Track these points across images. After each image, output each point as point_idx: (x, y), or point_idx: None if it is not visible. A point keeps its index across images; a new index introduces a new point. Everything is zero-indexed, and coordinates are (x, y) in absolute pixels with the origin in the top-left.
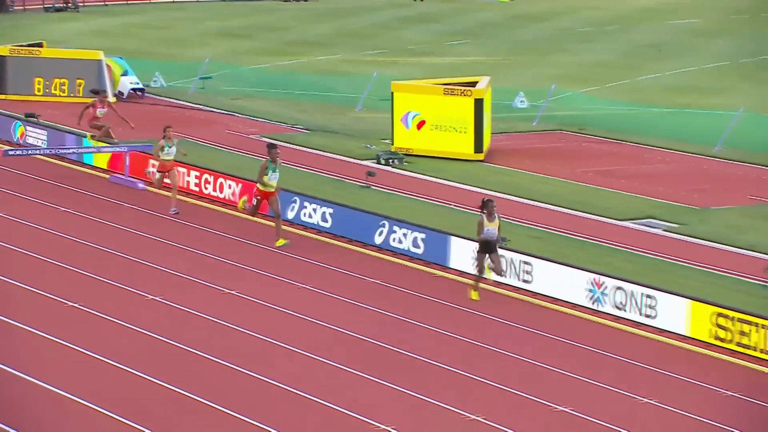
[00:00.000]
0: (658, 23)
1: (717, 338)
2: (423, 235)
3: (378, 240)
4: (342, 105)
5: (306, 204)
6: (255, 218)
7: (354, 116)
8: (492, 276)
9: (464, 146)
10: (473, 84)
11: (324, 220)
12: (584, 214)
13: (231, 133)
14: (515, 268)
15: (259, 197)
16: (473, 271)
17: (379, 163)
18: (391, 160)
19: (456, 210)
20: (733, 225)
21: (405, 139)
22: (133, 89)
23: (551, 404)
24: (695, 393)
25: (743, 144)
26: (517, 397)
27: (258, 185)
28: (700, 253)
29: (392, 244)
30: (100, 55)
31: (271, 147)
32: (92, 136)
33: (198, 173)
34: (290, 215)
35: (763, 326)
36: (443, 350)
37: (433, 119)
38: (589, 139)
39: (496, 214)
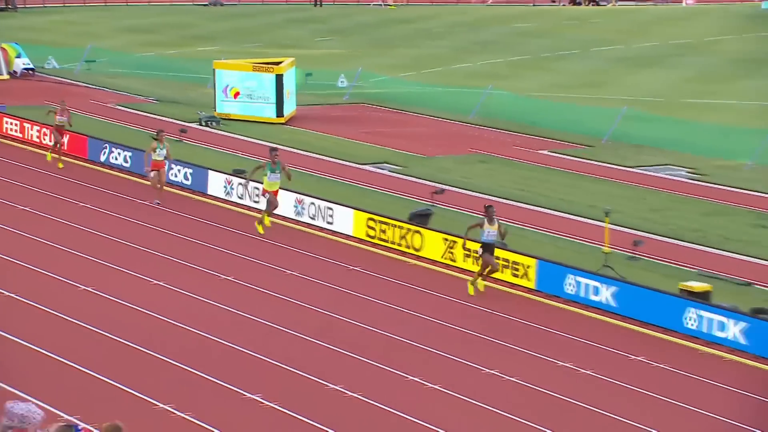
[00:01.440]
0: (502, 26)
1: (368, 236)
2: (190, 170)
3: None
4: (198, 83)
5: (114, 149)
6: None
7: (203, 92)
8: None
9: (268, 112)
10: (278, 63)
11: (125, 161)
12: (341, 161)
13: (92, 101)
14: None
15: (263, 194)
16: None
17: (200, 124)
18: (209, 122)
19: (241, 157)
20: (442, 167)
21: (224, 106)
22: (25, 69)
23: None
24: (349, 275)
25: (492, 114)
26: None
27: (263, 184)
28: (400, 185)
29: (171, 177)
30: None
31: (272, 150)
32: None
33: (38, 128)
34: (101, 158)
35: (394, 225)
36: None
37: (245, 90)
38: (381, 110)
39: (496, 219)
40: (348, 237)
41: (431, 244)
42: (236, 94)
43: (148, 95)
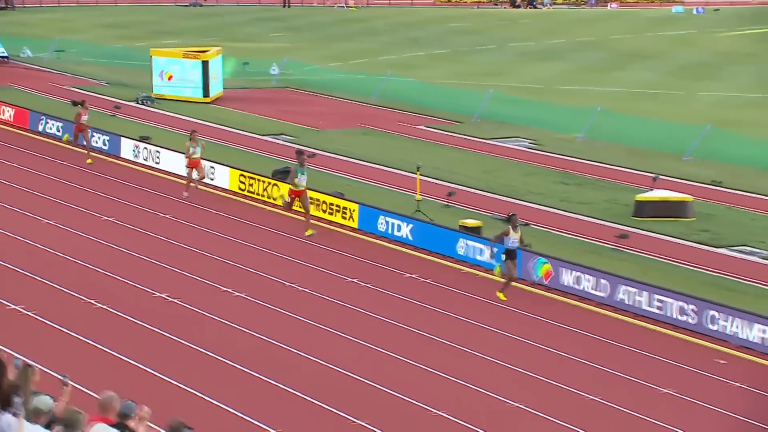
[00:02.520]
0: (439, 26)
1: (240, 189)
2: (107, 137)
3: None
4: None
5: (49, 121)
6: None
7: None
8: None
9: (196, 93)
10: (205, 52)
11: (57, 130)
12: (246, 133)
13: (50, 83)
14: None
15: (292, 196)
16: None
17: (137, 102)
18: (144, 101)
19: (159, 129)
20: (328, 138)
21: (159, 88)
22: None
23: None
24: (217, 219)
25: (391, 96)
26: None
27: (290, 186)
28: (289, 151)
29: (93, 143)
30: None
31: (299, 153)
32: None
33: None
34: (39, 128)
35: (260, 180)
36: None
37: (176, 74)
38: (299, 93)
39: (519, 226)
40: (225, 190)
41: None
42: (170, 77)
43: (102, 79)
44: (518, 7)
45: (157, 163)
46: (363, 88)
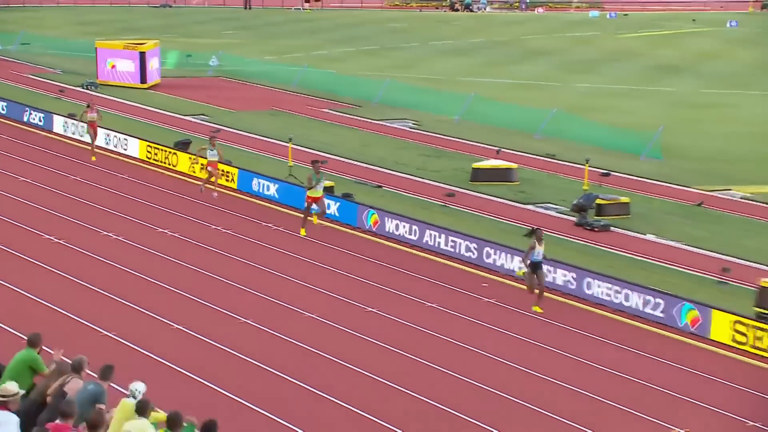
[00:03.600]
0: (379, 26)
1: (147, 157)
2: (42, 115)
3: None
4: None
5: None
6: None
7: None
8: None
9: (134, 79)
10: (143, 44)
11: (2, 109)
12: (170, 113)
13: (12, 71)
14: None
15: (309, 201)
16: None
17: (82, 87)
18: (89, 86)
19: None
20: (239, 118)
21: (104, 74)
22: None
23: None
24: (127, 183)
25: (309, 85)
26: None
27: (308, 192)
28: (202, 128)
29: (30, 121)
30: None
31: (314, 162)
32: None
33: None
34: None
35: (163, 150)
36: None
37: (119, 64)
38: (230, 82)
39: (543, 240)
40: (136, 159)
41: (183, 162)
42: (113, 66)
43: (58, 68)
44: (456, 10)
45: (81, 136)
46: (286, 77)
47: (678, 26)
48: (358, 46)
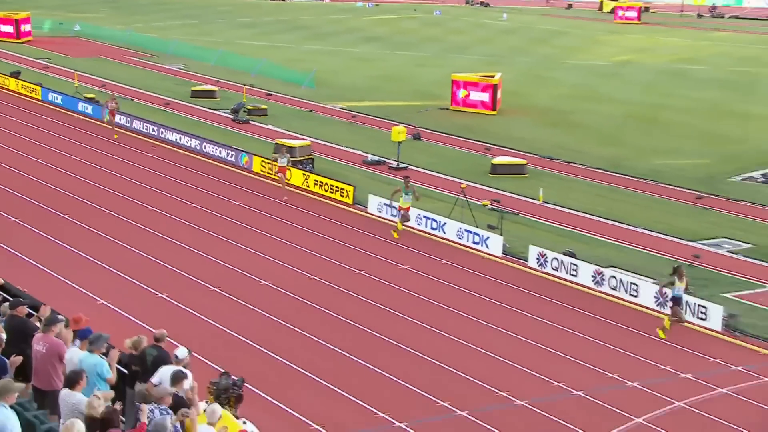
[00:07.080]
0: (209, 9)
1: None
2: None
3: None
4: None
5: None
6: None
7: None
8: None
9: (12, 36)
10: (18, 13)
11: None
12: (22, 55)
13: None
14: None
15: (402, 210)
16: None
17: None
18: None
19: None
20: (70, 61)
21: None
22: None
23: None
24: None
25: (133, 43)
26: None
27: (401, 203)
28: (38, 65)
29: None
30: None
31: (406, 178)
32: None
33: None
34: None
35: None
36: None
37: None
38: (83, 41)
39: (685, 277)
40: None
41: (12, 84)
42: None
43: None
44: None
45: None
46: (129, 40)
47: (404, 13)
48: (185, 21)
